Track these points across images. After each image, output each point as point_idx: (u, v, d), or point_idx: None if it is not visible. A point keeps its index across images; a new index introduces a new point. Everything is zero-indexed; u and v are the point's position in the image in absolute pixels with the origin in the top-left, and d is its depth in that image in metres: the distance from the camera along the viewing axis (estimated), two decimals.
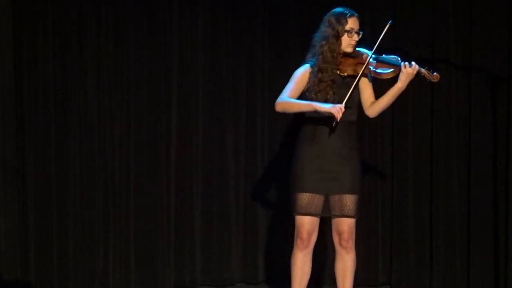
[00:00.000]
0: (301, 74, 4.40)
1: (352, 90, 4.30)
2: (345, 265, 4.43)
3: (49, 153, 5.38)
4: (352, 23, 4.37)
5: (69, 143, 5.42)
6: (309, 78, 4.38)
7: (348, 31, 4.35)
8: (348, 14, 4.37)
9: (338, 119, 4.20)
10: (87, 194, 5.46)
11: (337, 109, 4.19)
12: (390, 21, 4.32)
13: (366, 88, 4.46)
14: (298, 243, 4.42)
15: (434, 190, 5.62)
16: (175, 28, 5.64)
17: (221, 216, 5.76)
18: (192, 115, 5.71)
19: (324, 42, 4.37)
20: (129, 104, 5.56)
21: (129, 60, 5.56)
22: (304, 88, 4.39)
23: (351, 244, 4.41)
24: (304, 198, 4.36)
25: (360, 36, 4.38)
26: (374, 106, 4.45)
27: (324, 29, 4.39)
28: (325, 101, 4.32)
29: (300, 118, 4.47)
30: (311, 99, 4.32)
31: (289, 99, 4.32)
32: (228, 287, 5.75)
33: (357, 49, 4.42)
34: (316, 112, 4.28)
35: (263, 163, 5.80)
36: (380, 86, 4.57)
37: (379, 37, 4.31)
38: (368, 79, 4.46)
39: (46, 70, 5.37)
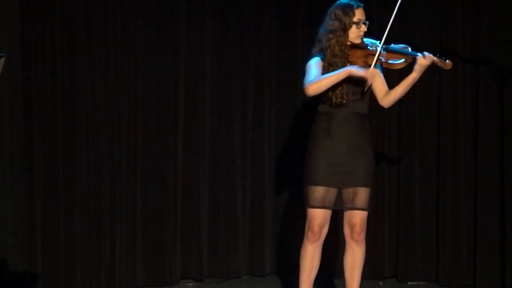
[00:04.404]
0: (318, 62, 4.36)
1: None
2: (355, 258, 4.44)
3: (57, 146, 5.37)
4: (359, 14, 4.36)
5: (77, 136, 5.41)
6: (323, 68, 4.35)
7: (356, 23, 4.34)
8: (355, 6, 4.36)
9: (370, 83, 4.26)
10: (94, 187, 5.45)
11: (372, 73, 4.25)
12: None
13: (378, 79, 4.43)
14: (309, 235, 4.41)
15: (440, 183, 5.62)
16: (182, 20, 5.63)
17: (228, 208, 5.77)
18: (199, 108, 5.71)
19: (331, 36, 4.34)
20: (137, 97, 5.55)
21: (136, 53, 5.54)
22: None
23: (362, 237, 4.41)
24: (318, 191, 4.35)
25: (367, 26, 4.38)
26: (389, 96, 4.45)
27: (330, 23, 4.36)
28: (340, 92, 4.30)
29: (314, 111, 4.46)
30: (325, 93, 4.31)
31: (319, 76, 4.27)
32: (234, 279, 5.77)
33: (364, 39, 4.41)
34: (345, 80, 4.25)
35: (270, 156, 5.81)
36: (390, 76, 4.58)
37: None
38: (379, 70, 4.44)
39: (53, 63, 5.35)
